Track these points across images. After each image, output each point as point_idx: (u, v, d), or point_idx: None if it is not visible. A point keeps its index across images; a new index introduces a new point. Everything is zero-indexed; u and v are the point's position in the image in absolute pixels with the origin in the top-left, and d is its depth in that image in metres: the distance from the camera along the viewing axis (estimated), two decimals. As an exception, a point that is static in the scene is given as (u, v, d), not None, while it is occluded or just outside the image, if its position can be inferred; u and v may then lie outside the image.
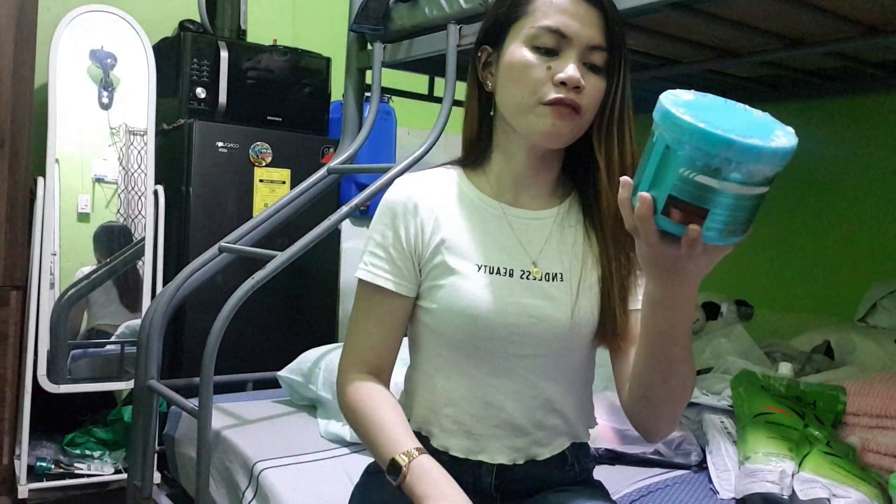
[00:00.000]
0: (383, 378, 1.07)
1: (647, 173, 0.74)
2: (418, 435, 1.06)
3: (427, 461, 0.94)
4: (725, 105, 0.76)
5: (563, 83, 0.94)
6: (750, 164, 0.68)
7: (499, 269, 1.01)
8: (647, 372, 0.92)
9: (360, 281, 1.05)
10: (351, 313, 1.08)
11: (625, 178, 0.78)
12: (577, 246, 1.04)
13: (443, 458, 1.05)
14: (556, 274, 1.02)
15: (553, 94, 0.95)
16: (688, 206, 0.70)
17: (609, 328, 1.01)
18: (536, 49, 0.96)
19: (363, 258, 1.05)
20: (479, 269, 1.01)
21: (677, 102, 0.73)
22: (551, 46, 0.96)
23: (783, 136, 0.70)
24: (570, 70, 0.94)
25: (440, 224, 1.03)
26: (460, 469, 1.04)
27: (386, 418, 1.00)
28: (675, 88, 0.78)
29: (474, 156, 1.09)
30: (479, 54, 1.05)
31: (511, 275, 1.01)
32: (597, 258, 1.04)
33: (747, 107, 0.77)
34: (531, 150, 1.03)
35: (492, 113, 1.06)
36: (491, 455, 1.04)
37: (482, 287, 1.00)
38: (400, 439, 0.96)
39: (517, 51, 0.98)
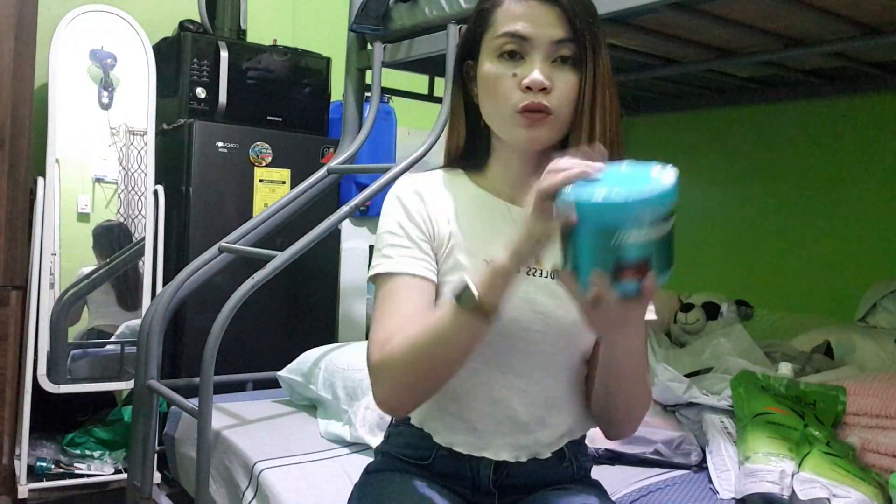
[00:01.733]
0: None
1: (584, 260, 0.80)
2: (421, 431, 1.07)
3: (468, 276, 0.88)
4: (610, 171, 0.82)
5: (528, 88, 0.96)
6: (652, 208, 0.76)
7: None
8: (605, 390, 1.02)
9: (382, 276, 1.00)
10: (374, 311, 1.02)
11: (564, 273, 0.81)
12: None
13: (442, 452, 1.05)
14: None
15: (522, 102, 0.97)
16: (632, 264, 0.78)
17: None
18: (501, 57, 0.99)
19: (382, 252, 1.01)
20: (487, 265, 1.00)
21: (582, 187, 0.80)
22: (514, 50, 0.98)
23: (663, 172, 0.79)
24: (534, 74, 0.96)
25: (448, 218, 1.03)
26: (459, 464, 1.05)
27: (425, 316, 0.94)
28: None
29: (465, 161, 1.10)
30: (464, 70, 1.07)
31: (517, 271, 1.01)
32: None
33: (620, 164, 0.84)
34: (524, 153, 1.04)
35: (482, 123, 1.07)
36: (495, 452, 1.04)
37: None
38: (444, 302, 0.91)
39: (486, 64, 1.00)
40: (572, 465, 1.09)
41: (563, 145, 1.04)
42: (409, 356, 0.92)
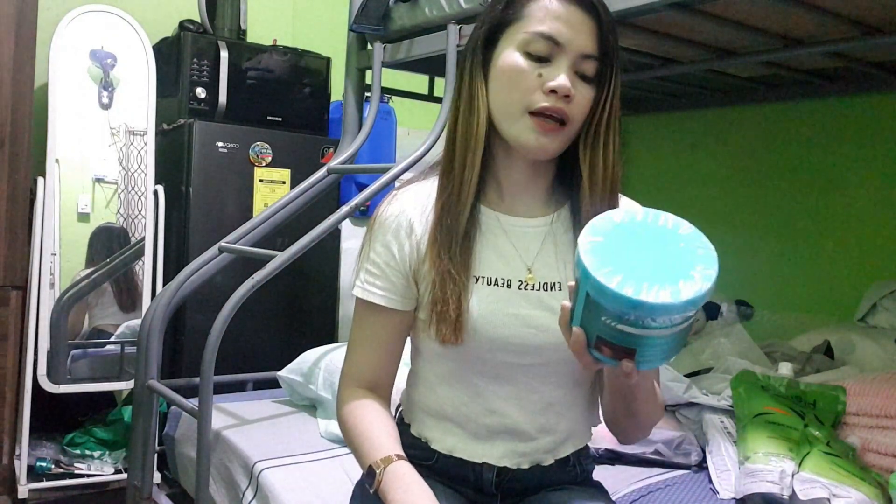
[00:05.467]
0: (380, 392, 1.06)
1: (577, 310, 0.78)
2: (419, 440, 1.07)
3: (402, 467, 0.93)
4: (647, 233, 0.76)
5: (553, 91, 0.92)
6: (663, 315, 0.71)
7: (496, 280, 1.00)
8: (614, 409, 1.03)
9: (357, 297, 1.05)
10: (351, 327, 1.07)
11: (564, 303, 0.83)
12: (572, 254, 1.02)
13: (445, 454, 1.05)
14: (553, 283, 1.01)
15: (542, 103, 0.93)
16: (615, 346, 0.75)
17: None
18: (528, 55, 0.95)
19: (359, 274, 1.04)
20: (477, 280, 1.00)
21: (594, 248, 0.74)
22: (543, 53, 0.94)
23: (697, 278, 0.71)
24: (562, 79, 0.92)
25: None
26: (462, 466, 1.05)
27: (371, 429, 0.99)
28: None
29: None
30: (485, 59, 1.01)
31: (508, 286, 1.00)
32: None
33: (673, 223, 0.78)
34: (524, 161, 1.01)
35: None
36: (497, 459, 1.04)
37: (480, 300, 0.99)
38: (382, 447, 0.96)
39: (509, 56, 0.96)
40: (576, 468, 1.09)
41: (561, 159, 1.02)
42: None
